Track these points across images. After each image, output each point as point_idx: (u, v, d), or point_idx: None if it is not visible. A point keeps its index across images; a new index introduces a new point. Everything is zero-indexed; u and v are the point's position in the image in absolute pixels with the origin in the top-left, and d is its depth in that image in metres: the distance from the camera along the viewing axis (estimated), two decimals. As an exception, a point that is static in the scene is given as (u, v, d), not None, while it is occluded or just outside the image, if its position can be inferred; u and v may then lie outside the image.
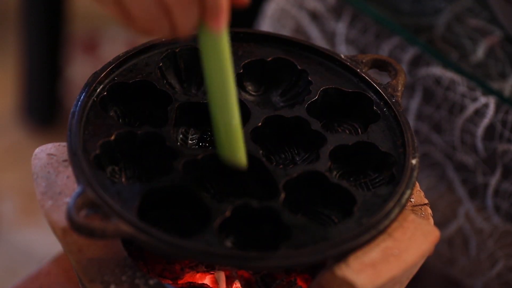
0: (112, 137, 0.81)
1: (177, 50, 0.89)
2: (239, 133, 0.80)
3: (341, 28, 1.19)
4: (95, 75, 0.85)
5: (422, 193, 0.85)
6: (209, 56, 0.77)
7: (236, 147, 0.80)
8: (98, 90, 0.84)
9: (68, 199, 0.79)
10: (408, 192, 0.80)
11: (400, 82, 0.89)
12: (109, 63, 0.86)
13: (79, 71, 1.99)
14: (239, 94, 0.87)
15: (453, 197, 1.14)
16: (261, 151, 0.84)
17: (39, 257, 1.65)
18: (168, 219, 0.80)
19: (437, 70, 1.11)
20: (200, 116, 0.87)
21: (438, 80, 1.11)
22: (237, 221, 0.78)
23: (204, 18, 0.74)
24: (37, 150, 0.83)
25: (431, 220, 0.82)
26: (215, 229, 0.76)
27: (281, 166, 0.85)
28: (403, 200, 0.80)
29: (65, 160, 0.82)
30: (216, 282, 0.85)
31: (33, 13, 1.78)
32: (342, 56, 0.90)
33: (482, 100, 1.08)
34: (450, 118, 1.11)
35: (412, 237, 0.79)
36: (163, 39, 0.89)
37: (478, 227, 1.12)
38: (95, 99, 0.84)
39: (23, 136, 1.88)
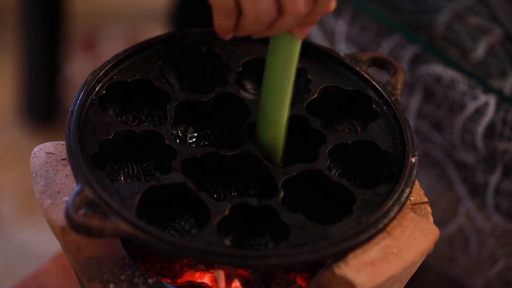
0: (111, 136, 0.81)
1: (176, 49, 0.89)
2: (284, 132, 0.83)
3: (341, 26, 1.19)
4: (94, 73, 0.85)
5: (422, 192, 0.84)
6: (281, 57, 0.80)
7: (278, 144, 0.83)
8: (97, 89, 0.84)
9: (67, 198, 0.78)
10: (408, 190, 0.80)
11: (400, 80, 0.88)
12: (108, 62, 0.86)
13: (78, 69, 1.99)
14: (238, 92, 0.87)
15: (453, 195, 1.14)
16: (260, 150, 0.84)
17: (38, 256, 1.64)
18: (167, 218, 0.80)
19: (437, 69, 1.11)
20: (199, 114, 0.87)
21: (438, 79, 1.11)
22: (236, 219, 0.78)
23: (296, 25, 0.78)
24: (35, 148, 0.82)
25: (431, 219, 0.82)
26: (214, 227, 0.76)
27: (280, 164, 0.85)
28: (403, 199, 0.79)
29: (64, 159, 0.81)
30: (215, 281, 0.85)
31: (32, 11, 1.78)
32: (342, 54, 0.90)
33: (483, 98, 1.08)
34: (450, 117, 1.10)
35: (412, 236, 0.79)
36: (162, 38, 0.89)
37: (479, 226, 1.12)
38: (94, 97, 0.84)
39: (22, 134, 1.88)
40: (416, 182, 0.84)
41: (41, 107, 1.88)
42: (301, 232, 0.76)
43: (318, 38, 1.20)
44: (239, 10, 0.77)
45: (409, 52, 1.13)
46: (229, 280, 0.84)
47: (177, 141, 0.85)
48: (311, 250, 0.75)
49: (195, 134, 0.87)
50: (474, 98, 1.09)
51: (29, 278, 1.02)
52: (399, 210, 0.79)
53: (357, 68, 0.89)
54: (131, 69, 0.87)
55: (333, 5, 0.78)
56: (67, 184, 0.80)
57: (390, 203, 0.78)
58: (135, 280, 0.77)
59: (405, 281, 0.81)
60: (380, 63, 0.91)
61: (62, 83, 1.90)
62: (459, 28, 1.14)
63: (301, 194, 0.82)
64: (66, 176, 0.80)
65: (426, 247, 0.78)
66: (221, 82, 0.88)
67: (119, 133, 0.82)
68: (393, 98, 0.87)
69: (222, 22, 0.78)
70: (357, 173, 0.85)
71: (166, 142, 0.82)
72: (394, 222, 0.79)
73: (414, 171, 0.81)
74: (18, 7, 1.81)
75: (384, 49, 1.14)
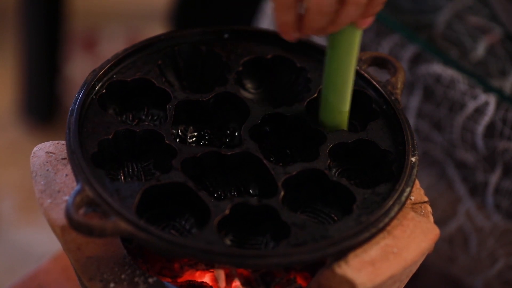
0: (111, 135, 0.81)
1: (176, 48, 0.89)
2: (347, 118, 0.86)
3: (340, 25, 1.19)
4: (94, 73, 0.85)
5: (422, 191, 0.84)
6: (343, 50, 0.82)
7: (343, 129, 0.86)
8: (96, 88, 0.84)
9: (67, 197, 0.78)
10: (408, 190, 0.80)
11: (400, 80, 0.88)
12: (108, 61, 0.86)
13: (78, 68, 1.99)
14: (238, 92, 0.87)
15: (453, 195, 1.14)
16: (260, 149, 0.84)
17: (38, 255, 1.64)
18: (167, 217, 0.80)
19: (437, 68, 1.11)
20: (199, 114, 0.87)
21: (438, 78, 1.11)
22: (237, 219, 0.78)
23: (358, 17, 0.79)
24: (36, 148, 0.82)
25: (431, 218, 0.82)
26: (214, 227, 0.76)
27: (280, 164, 0.85)
28: (403, 198, 0.79)
29: (64, 158, 0.81)
30: (215, 280, 0.85)
31: (32, 10, 1.78)
32: (342, 54, 0.90)
33: (483, 98, 1.08)
34: (450, 116, 1.10)
35: (412, 235, 0.79)
36: (162, 37, 0.89)
37: (479, 225, 1.12)
38: (93, 97, 0.84)
39: (22, 133, 1.88)
40: (416, 182, 0.84)
41: (41, 106, 1.88)
42: (301, 231, 0.76)
43: (318, 38, 1.20)
44: (299, 6, 0.78)
45: (409, 51, 1.13)
46: (229, 279, 0.84)
47: (177, 140, 0.85)
48: (312, 249, 0.75)
49: (195, 134, 0.87)
50: (474, 97, 1.09)
51: (29, 278, 1.02)
52: (400, 210, 0.79)
53: (357, 68, 0.89)
54: (131, 68, 0.87)
55: None
56: (67, 184, 0.80)
57: (391, 203, 0.78)
58: (136, 279, 0.77)
59: (406, 281, 0.81)
60: (380, 63, 0.91)
61: (62, 83, 1.90)
62: (459, 27, 1.14)
63: (301, 194, 0.82)
64: (66, 175, 0.80)
65: (427, 247, 0.78)
66: (221, 81, 0.88)
67: (119, 133, 0.82)
68: (393, 98, 0.87)
69: (283, 17, 0.78)
70: (357, 172, 0.85)
71: (166, 141, 0.82)
72: (395, 222, 0.79)
73: (414, 171, 0.81)
74: (18, 7, 1.81)
75: (384, 49, 1.14)
